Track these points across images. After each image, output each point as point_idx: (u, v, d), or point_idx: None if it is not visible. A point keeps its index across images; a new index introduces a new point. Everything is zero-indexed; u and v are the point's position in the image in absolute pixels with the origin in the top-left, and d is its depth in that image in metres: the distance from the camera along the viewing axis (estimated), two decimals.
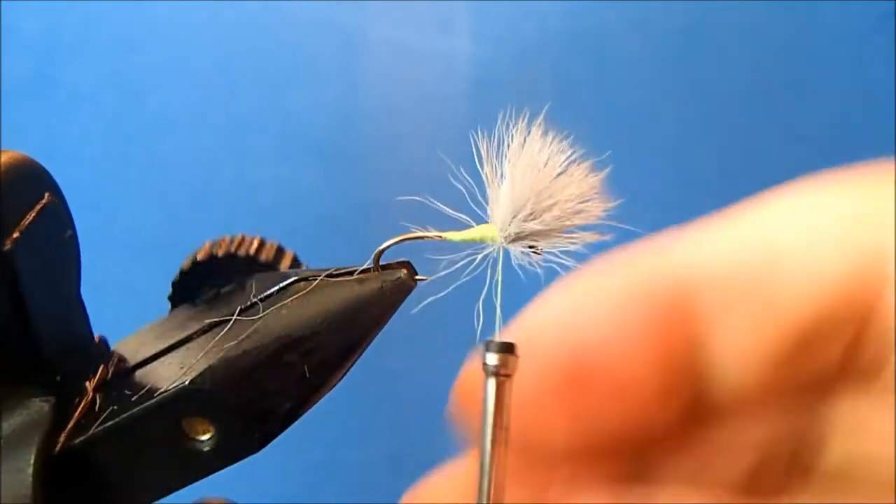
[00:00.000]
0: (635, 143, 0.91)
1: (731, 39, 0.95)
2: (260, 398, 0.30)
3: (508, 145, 0.29)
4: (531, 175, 0.28)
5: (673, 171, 0.89)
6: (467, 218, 0.30)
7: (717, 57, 0.94)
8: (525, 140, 0.29)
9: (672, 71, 0.93)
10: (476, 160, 0.30)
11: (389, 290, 0.30)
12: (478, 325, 0.28)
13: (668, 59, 0.94)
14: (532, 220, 0.29)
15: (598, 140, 0.30)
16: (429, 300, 0.31)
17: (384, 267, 0.30)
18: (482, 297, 0.29)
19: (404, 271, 0.30)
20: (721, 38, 0.95)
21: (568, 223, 0.29)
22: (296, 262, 0.35)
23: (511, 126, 0.29)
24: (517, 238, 0.29)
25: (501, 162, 0.29)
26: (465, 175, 0.30)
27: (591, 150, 0.30)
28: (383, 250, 0.30)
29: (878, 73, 0.90)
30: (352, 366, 0.30)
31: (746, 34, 0.95)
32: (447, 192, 0.30)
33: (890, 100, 0.88)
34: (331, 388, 0.29)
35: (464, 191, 0.30)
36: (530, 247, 0.29)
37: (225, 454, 0.31)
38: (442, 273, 0.30)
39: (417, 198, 0.30)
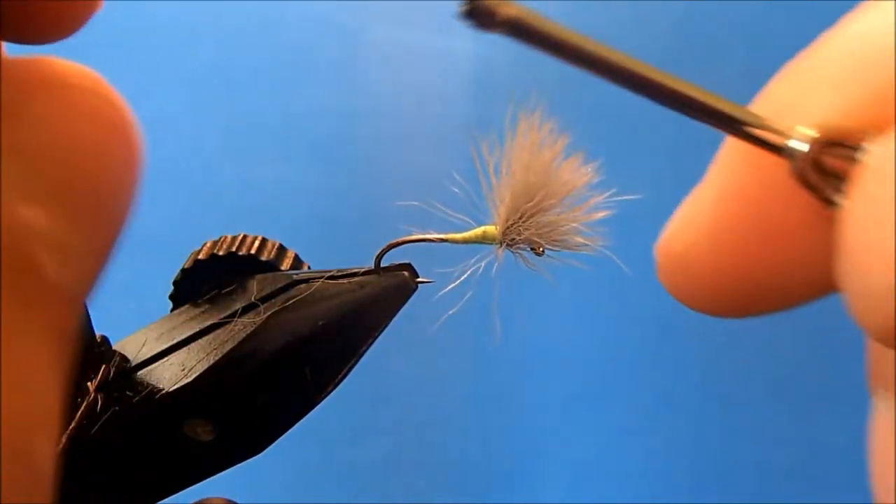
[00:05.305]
0: (635, 142, 0.91)
1: (729, 39, 0.95)
2: (261, 400, 0.30)
3: (509, 145, 0.29)
4: (532, 174, 0.28)
5: (672, 169, 0.89)
6: (468, 219, 0.30)
7: (715, 57, 0.94)
8: (526, 140, 0.29)
9: (671, 70, 0.93)
10: (477, 160, 0.30)
11: (391, 293, 0.30)
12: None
13: (667, 58, 0.94)
14: (534, 219, 0.29)
15: (599, 139, 0.30)
16: (447, 314, 0.31)
17: (385, 269, 0.30)
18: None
19: (405, 273, 0.30)
20: (720, 37, 0.95)
21: (569, 222, 0.29)
22: (297, 262, 0.35)
23: (512, 126, 0.29)
24: (519, 238, 0.29)
25: (502, 162, 0.29)
26: (465, 175, 0.30)
27: (591, 148, 0.30)
28: (384, 252, 0.30)
29: None
30: (353, 367, 0.30)
31: (745, 34, 0.95)
32: (448, 193, 0.30)
33: None
34: (332, 390, 0.29)
35: (464, 192, 0.30)
36: (532, 248, 0.29)
37: (226, 456, 0.31)
38: (450, 287, 0.30)
39: (418, 203, 0.30)
